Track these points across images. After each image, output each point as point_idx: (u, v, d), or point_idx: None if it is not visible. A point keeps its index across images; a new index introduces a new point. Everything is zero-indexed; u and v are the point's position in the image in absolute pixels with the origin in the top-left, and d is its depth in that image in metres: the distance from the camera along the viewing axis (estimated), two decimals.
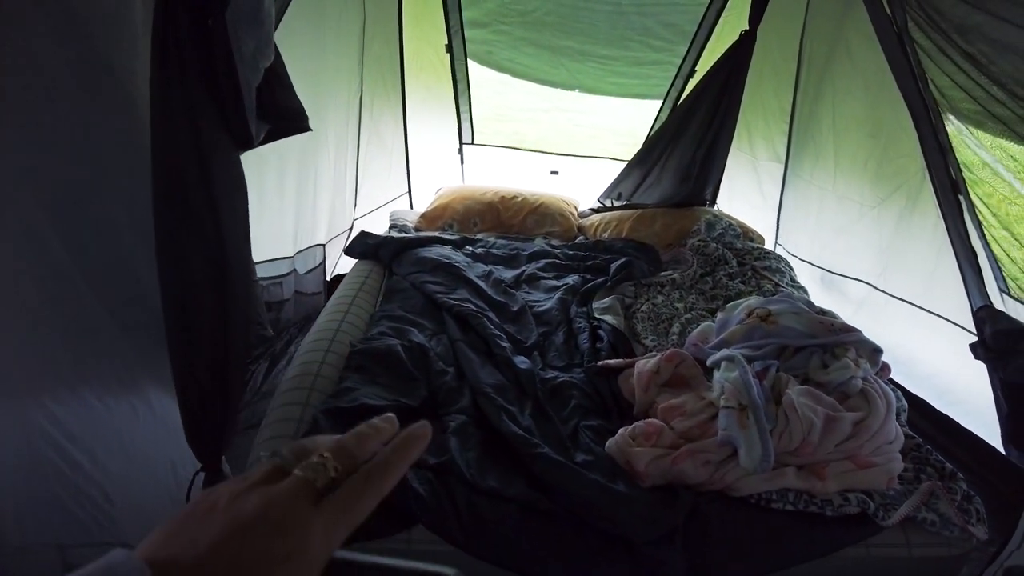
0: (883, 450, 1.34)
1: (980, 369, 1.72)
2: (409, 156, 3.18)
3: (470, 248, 2.48)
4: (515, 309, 1.99)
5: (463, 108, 3.16)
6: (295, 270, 2.35)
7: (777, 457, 1.28)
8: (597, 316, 1.97)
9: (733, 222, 2.69)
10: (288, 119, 1.09)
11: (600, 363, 1.69)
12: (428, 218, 2.78)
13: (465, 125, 3.23)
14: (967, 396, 1.98)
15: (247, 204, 1.02)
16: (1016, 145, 1.70)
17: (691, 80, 2.89)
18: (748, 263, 2.43)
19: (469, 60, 3.02)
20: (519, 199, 2.84)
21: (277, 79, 1.04)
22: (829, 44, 2.53)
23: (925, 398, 2.11)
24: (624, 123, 3.79)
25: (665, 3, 2.85)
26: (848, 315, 1.99)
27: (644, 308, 2.09)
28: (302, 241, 2.37)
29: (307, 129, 1.16)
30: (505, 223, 2.80)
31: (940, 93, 1.82)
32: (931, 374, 2.13)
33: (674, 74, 2.97)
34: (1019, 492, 1.55)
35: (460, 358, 1.65)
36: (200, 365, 0.97)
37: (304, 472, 0.34)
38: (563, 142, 3.69)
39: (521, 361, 1.66)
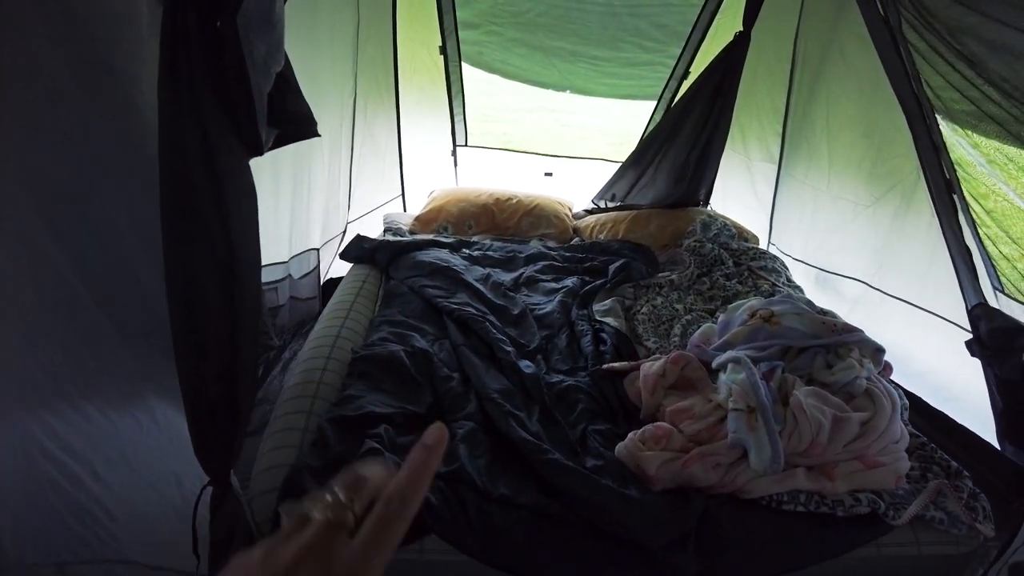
0: (890, 449, 1.35)
1: (975, 366, 1.74)
2: (403, 158, 3.15)
3: (467, 251, 2.46)
4: (516, 312, 1.97)
5: (456, 110, 3.14)
6: (290, 275, 2.31)
7: (786, 458, 1.29)
8: (599, 319, 1.97)
9: (728, 222, 2.70)
10: (297, 124, 1.07)
11: (605, 366, 1.69)
12: (422, 221, 2.75)
13: (459, 127, 3.21)
14: (962, 393, 1.99)
15: (257, 211, 1.00)
16: (1010, 146, 1.72)
17: (685, 81, 2.91)
18: (744, 263, 2.45)
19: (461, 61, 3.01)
20: (514, 201, 2.83)
21: (287, 84, 1.02)
22: (823, 45, 2.54)
23: (921, 395, 2.13)
24: (613, 124, 3.80)
25: (658, 4, 2.86)
26: (844, 313, 2.01)
27: (644, 310, 2.08)
28: (297, 245, 2.33)
29: (315, 135, 1.14)
30: (500, 225, 2.79)
31: (934, 94, 1.83)
32: (926, 371, 2.15)
33: (667, 75, 2.98)
34: (1016, 488, 1.57)
35: (464, 363, 1.63)
36: (209, 374, 0.94)
37: (326, 513, 0.34)
38: (551, 143, 3.69)
39: (526, 365, 1.65)
